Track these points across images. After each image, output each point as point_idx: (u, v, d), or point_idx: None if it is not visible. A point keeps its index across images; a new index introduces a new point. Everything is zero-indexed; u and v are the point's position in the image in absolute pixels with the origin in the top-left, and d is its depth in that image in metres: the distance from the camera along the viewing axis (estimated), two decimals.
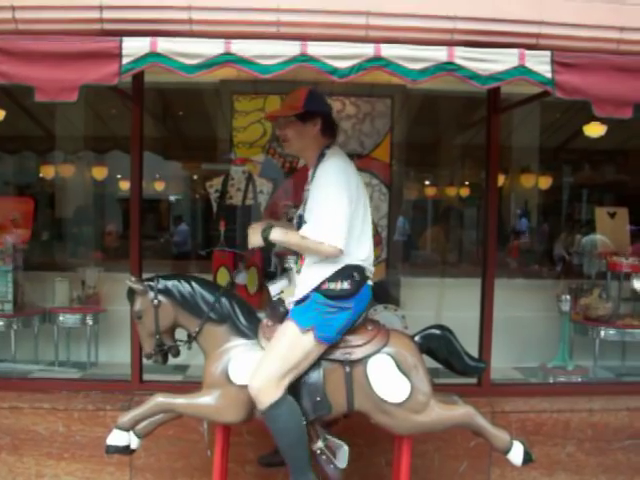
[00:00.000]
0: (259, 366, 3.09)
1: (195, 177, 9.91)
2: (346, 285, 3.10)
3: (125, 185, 9.05)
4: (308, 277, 3.16)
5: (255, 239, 3.23)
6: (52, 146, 7.86)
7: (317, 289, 3.12)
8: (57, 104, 6.42)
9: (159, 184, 10.21)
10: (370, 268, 3.25)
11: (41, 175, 8.54)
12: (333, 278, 3.10)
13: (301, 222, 3.22)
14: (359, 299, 3.17)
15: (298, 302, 3.19)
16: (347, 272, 3.12)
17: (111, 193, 9.35)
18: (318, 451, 3.14)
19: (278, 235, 3.18)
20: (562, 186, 9.65)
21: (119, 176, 9.22)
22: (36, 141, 7.94)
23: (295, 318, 3.13)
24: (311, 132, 3.22)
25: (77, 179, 8.42)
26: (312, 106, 3.19)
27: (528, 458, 3.30)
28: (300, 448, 3.12)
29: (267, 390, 3.05)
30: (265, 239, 3.19)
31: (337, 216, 3.02)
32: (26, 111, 6.93)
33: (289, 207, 5.19)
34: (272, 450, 3.39)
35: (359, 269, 3.15)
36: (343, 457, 3.19)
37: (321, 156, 3.21)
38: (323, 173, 3.12)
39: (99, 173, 8.55)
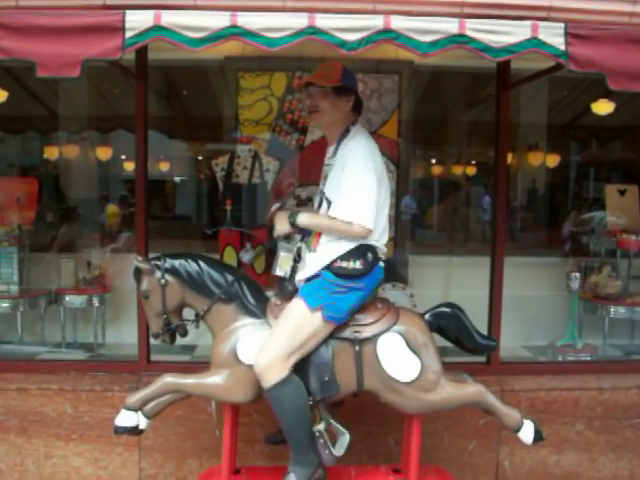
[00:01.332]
0: (265, 344, 3.07)
1: (200, 157, 9.86)
2: (358, 265, 3.06)
3: (130, 166, 9.03)
4: (320, 255, 3.12)
5: (282, 226, 3.21)
6: (56, 126, 7.84)
7: (328, 267, 3.08)
8: (59, 83, 6.40)
9: (164, 164, 10.15)
10: (383, 249, 3.20)
11: (45, 156, 8.50)
12: (345, 257, 3.06)
13: (322, 198, 3.19)
14: (370, 279, 3.14)
15: (308, 280, 3.15)
16: (360, 251, 3.07)
17: (115, 173, 9.33)
18: (317, 433, 3.12)
19: (305, 219, 3.15)
20: (570, 164, 9.58)
21: (123, 157, 9.17)
22: (39, 121, 7.91)
23: (304, 296, 3.10)
24: (344, 107, 3.18)
25: (81, 160, 8.39)
26: (348, 81, 3.16)
27: (539, 436, 3.27)
28: (303, 429, 3.11)
29: (272, 369, 3.02)
30: (292, 224, 3.16)
31: (366, 196, 2.98)
32: (29, 91, 6.89)
33: (295, 186, 5.16)
34: (279, 429, 3.37)
35: (372, 249, 3.12)
36: (342, 445, 3.16)
37: (346, 132, 3.18)
38: (350, 151, 3.08)
39: (103, 153, 8.51)
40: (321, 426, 3.13)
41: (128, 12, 2.78)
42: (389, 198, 3.23)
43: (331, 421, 3.17)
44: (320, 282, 3.09)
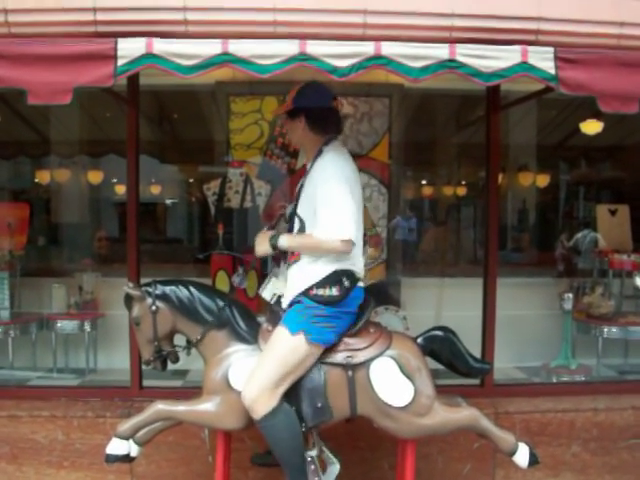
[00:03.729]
0: (252, 375, 3.05)
1: (191, 180, 9.87)
2: (334, 291, 3.05)
3: (121, 189, 9.03)
4: (296, 282, 3.12)
5: (263, 247, 3.19)
6: (47, 151, 7.84)
7: (305, 294, 3.08)
8: (51, 108, 6.40)
9: (155, 188, 10.16)
10: (360, 271, 3.18)
11: (36, 180, 8.50)
12: (321, 284, 3.05)
13: (293, 218, 3.19)
14: (349, 303, 3.12)
15: (289, 306, 3.15)
16: (335, 278, 3.06)
17: (106, 197, 9.32)
18: (309, 459, 3.10)
19: (286, 241, 3.13)
20: (560, 184, 9.64)
21: (115, 180, 9.18)
22: (31, 146, 7.92)
23: (286, 324, 3.08)
24: (298, 128, 3.20)
25: (72, 184, 8.39)
26: (299, 102, 3.17)
27: (534, 460, 3.25)
28: (297, 456, 3.08)
29: (261, 399, 3.01)
30: (273, 246, 3.14)
31: (343, 209, 2.96)
32: (20, 116, 6.89)
33: (285, 209, 5.16)
34: (266, 449, 3.35)
35: (348, 274, 3.09)
36: (332, 474, 3.17)
37: (319, 152, 3.17)
38: (320, 169, 3.08)
39: (95, 177, 8.52)
40: (313, 452, 3.12)
41: (120, 40, 2.79)
42: (361, 212, 3.18)
43: (324, 449, 3.16)
44: (299, 307, 3.08)
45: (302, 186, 3.21)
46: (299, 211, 3.16)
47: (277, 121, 5.06)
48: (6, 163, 8.44)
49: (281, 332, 3.07)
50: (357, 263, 3.15)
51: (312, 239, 3.06)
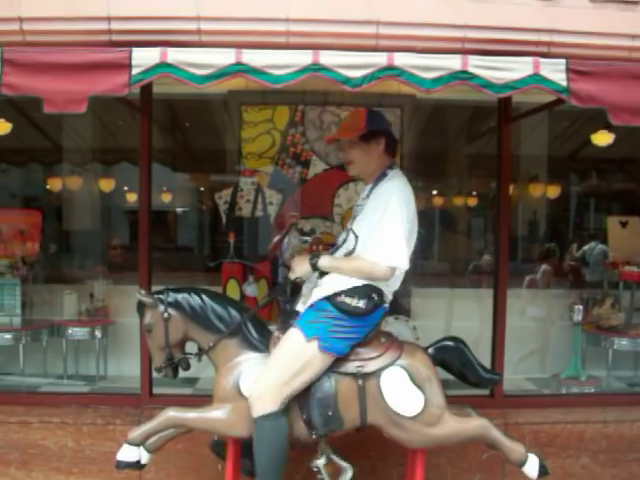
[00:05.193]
0: (261, 373, 3.06)
1: (202, 189, 9.90)
2: (361, 304, 3.05)
3: (132, 197, 9.08)
4: (326, 285, 3.12)
5: (303, 268, 3.18)
6: (59, 158, 7.87)
7: (331, 299, 3.08)
8: (64, 116, 6.45)
9: (166, 196, 10.20)
10: (390, 295, 3.20)
11: (48, 187, 8.54)
12: (351, 293, 3.05)
13: (349, 235, 3.19)
14: (369, 320, 3.13)
15: (308, 308, 3.15)
16: (366, 291, 3.06)
17: (118, 205, 9.36)
18: (315, 469, 3.11)
19: (327, 261, 3.14)
20: (570, 195, 9.62)
21: (126, 188, 9.22)
22: (43, 153, 7.95)
23: (301, 326, 3.09)
24: (376, 151, 3.20)
25: (84, 191, 8.42)
26: (374, 125, 3.17)
27: (544, 471, 3.24)
28: (273, 470, 3.08)
29: (265, 398, 3.01)
30: (314, 266, 3.14)
31: (396, 239, 2.97)
32: (33, 124, 6.94)
33: (298, 219, 5.18)
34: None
35: (378, 291, 3.10)
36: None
37: (383, 175, 3.18)
38: (386, 192, 3.08)
39: (106, 185, 8.55)
40: (320, 462, 3.12)
41: (135, 49, 2.82)
42: (413, 244, 3.17)
43: (332, 456, 3.16)
44: (318, 313, 3.08)
45: (361, 207, 3.22)
46: (355, 227, 3.16)
47: (289, 131, 5.08)
48: (18, 170, 8.49)
49: (295, 334, 3.07)
50: (392, 287, 3.17)
51: (352, 262, 3.08)
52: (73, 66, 2.82)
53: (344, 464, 3.16)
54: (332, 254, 3.27)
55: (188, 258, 9.90)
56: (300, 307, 3.26)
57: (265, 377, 3.03)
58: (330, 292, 3.09)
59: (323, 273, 3.16)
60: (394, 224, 2.98)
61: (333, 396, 3.09)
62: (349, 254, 3.14)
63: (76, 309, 5.41)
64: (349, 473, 3.15)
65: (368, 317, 3.10)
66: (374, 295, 3.07)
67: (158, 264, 4.40)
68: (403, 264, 2.99)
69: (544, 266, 6.49)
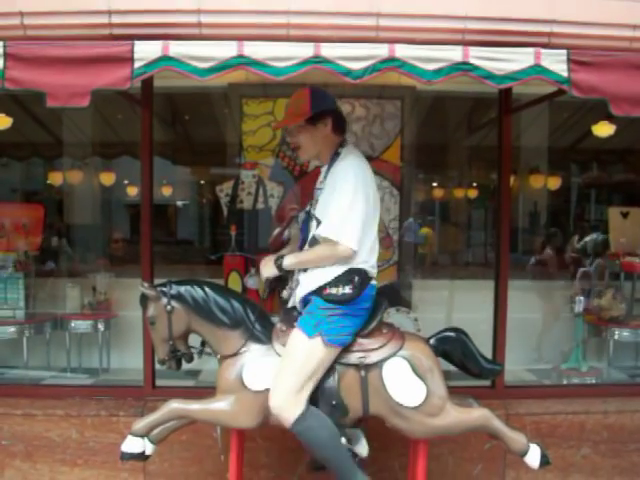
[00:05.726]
0: (275, 383, 3.07)
1: (202, 182, 9.91)
2: (347, 290, 3.07)
3: (133, 190, 9.09)
4: (309, 279, 3.14)
5: (268, 270, 3.23)
6: (60, 152, 7.88)
7: (318, 294, 3.10)
8: (64, 110, 6.46)
9: (167, 189, 10.20)
10: (372, 270, 3.20)
11: (48, 181, 8.55)
12: (334, 283, 3.07)
13: (309, 219, 3.21)
14: (362, 302, 3.14)
15: (304, 307, 3.18)
16: (348, 277, 3.08)
17: (118, 198, 9.37)
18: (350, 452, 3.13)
19: (290, 261, 3.17)
20: (571, 186, 9.63)
21: (126, 181, 9.23)
22: (44, 148, 7.96)
23: (302, 327, 3.10)
24: (323, 132, 3.18)
25: (85, 185, 8.43)
26: (319, 106, 3.15)
27: (545, 461, 3.26)
28: (340, 454, 3.10)
29: (288, 406, 3.03)
30: (279, 267, 3.17)
31: (353, 217, 2.99)
32: (34, 118, 6.94)
33: (298, 211, 5.18)
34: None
35: (360, 272, 3.11)
36: (362, 443, 3.20)
37: (335, 155, 3.18)
38: (340, 171, 3.08)
39: (107, 179, 8.57)
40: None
41: (137, 43, 2.83)
42: (378, 217, 3.19)
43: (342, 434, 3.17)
44: (313, 310, 3.10)
45: (320, 190, 3.22)
46: (317, 212, 3.16)
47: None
48: (18, 164, 8.49)
49: (298, 336, 3.09)
50: (369, 261, 3.16)
51: (313, 253, 3.11)
52: (75, 60, 2.83)
53: (353, 430, 3.20)
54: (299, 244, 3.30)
55: (188, 251, 9.92)
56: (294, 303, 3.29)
57: (281, 386, 3.05)
58: (314, 287, 3.11)
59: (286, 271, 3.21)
60: (352, 204, 2.98)
61: (336, 387, 3.11)
62: (314, 239, 3.16)
63: (79, 302, 5.44)
64: (359, 432, 3.20)
65: (360, 299, 3.11)
66: (356, 277, 3.08)
67: (159, 257, 4.41)
68: (352, 244, 2.99)
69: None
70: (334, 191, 3.04)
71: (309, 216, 3.24)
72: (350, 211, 2.98)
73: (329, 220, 3.02)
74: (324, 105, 3.18)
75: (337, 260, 3.06)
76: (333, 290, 3.07)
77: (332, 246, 3.02)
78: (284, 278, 3.31)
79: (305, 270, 3.18)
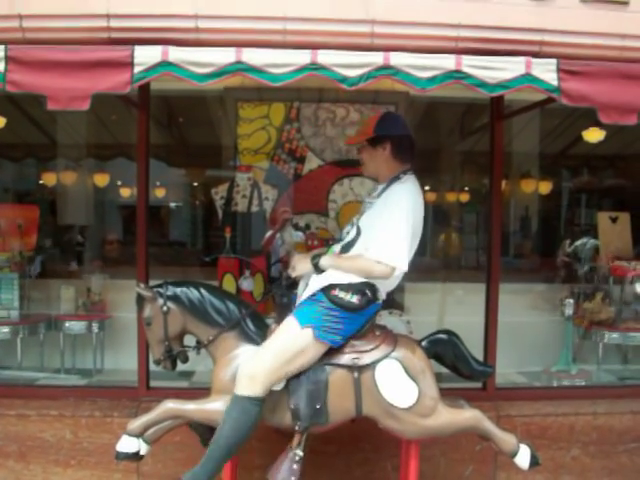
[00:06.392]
0: (254, 355, 3.11)
1: (195, 184, 9.91)
2: (354, 299, 3.11)
3: (126, 192, 9.09)
4: (322, 277, 3.17)
5: (303, 267, 3.25)
6: (54, 153, 7.88)
7: (326, 292, 3.13)
8: (59, 111, 6.47)
9: (160, 191, 10.19)
10: (383, 294, 3.26)
11: (41, 182, 8.54)
12: (345, 287, 3.11)
13: (353, 226, 3.24)
14: (362, 316, 3.18)
15: (305, 299, 3.21)
16: (360, 287, 3.12)
17: (111, 200, 9.35)
18: (297, 457, 3.10)
19: (328, 261, 3.19)
20: (562, 191, 9.69)
21: (120, 183, 9.22)
22: (39, 148, 7.96)
23: (296, 315, 3.15)
24: (382, 156, 3.24)
25: (78, 186, 8.42)
26: (381, 130, 3.21)
27: (535, 461, 3.31)
28: (225, 451, 3.10)
29: (255, 379, 3.04)
30: (315, 266, 3.20)
31: (399, 238, 3.03)
32: (29, 118, 6.95)
33: (290, 214, 5.21)
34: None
35: (373, 288, 3.16)
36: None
37: (396, 178, 3.21)
38: (396, 195, 3.12)
39: (101, 180, 8.56)
40: (300, 452, 3.12)
41: (137, 48, 2.87)
42: (416, 244, 3.22)
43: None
44: (314, 303, 3.14)
45: (370, 204, 3.25)
46: (361, 223, 3.21)
47: (284, 127, 5.12)
48: (11, 165, 8.47)
49: (290, 322, 3.13)
50: (388, 286, 3.24)
51: (354, 263, 3.13)
52: (76, 64, 2.87)
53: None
54: (330, 247, 3.33)
55: (181, 253, 9.92)
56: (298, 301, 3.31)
57: (258, 360, 3.07)
58: (325, 283, 3.14)
59: (321, 270, 3.21)
60: (399, 226, 3.03)
61: (324, 389, 3.14)
62: (348, 245, 3.20)
63: (73, 303, 5.46)
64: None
65: (361, 312, 3.15)
66: (368, 291, 3.13)
67: (151, 259, 4.44)
68: (403, 266, 3.05)
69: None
70: (384, 211, 3.09)
71: (351, 224, 3.29)
72: (398, 235, 3.03)
73: (376, 239, 3.07)
74: (386, 130, 3.23)
75: (374, 276, 3.11)
76: (341, 294, 3.11)
77: (373, 263, 3.05)
78: (281, 283, 3.35)
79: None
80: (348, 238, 3.23)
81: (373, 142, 3.24)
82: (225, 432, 3.08)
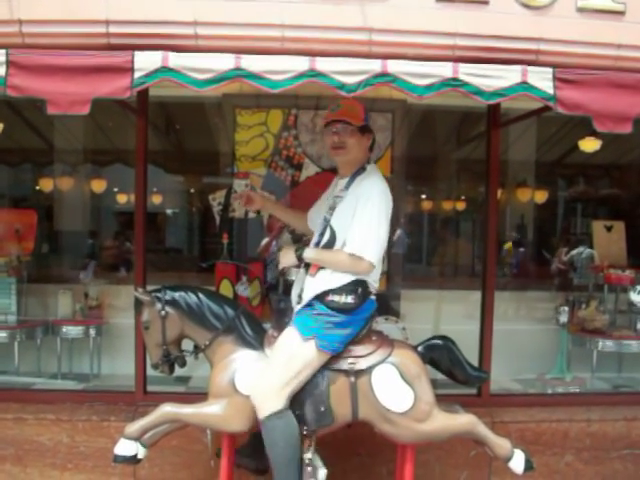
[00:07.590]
0: (262, 374, 3.14)
1: (192, 190, 9.92)
2: (350, 299, 3.15)
3: (123, 198, 9.10)
4: (315, 284, 3.19)
5: (288, 259, 3.29)
6: (52, 159, 7.89)
7: (320, 299, 3.16)
8: (57, 116, 6.48)
9: (156, 197, 10.20)
10: (375, 284, 3.28)
11: (38, 188, 8.54)
12: (338, 291, 3.14)
13: (326, 226, 3.26)
14: (361, 312, 3.22)
15: (302, 307, 3.23)
16: (352, 287, 3.16)
17: (108, 206, 9.36)
18: (307, 461, 3.16)
19: (311, 253, 3.24)
20: (558, 200, 9.73)
21: (116, 189, 9.23)
22: (36, 154, 7.97)
23: (297, 326, 3.17)
24: (365, 144, 3.31)
25: (75, 192, 8.42)
26: (367, 120, 3.29)
27: (529, 466, 3.34)
28: (290, 465, 3.13)
29: (269, 398, 3.08)
30: (299, 258, 3.24)
31: (378, 235, 3.10)
32: (26, 123, 6.96)
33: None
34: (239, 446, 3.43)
35: (363, 284, 3.19)
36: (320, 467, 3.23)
37: (362, 169, 3.28)
38: (367, 188, 3.17)
39: (98, 186, 8.57)
40: (310, 455, 3.18)
41: (137, 53, 2.89)
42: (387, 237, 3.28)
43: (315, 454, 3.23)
44: (312, 313, 3.17)
45: (339, 198, 3.28)
46: (332, 222, 3.24)
47: (282, 134, 5.14)
48: (7, 170, 8.47)
49: (292, 334, 3.16)
50: (373, 277, 3.25)
51: (338, 255, 3.17)
52: (77, 68, 2.89)
53: (320, 462, 3.24)
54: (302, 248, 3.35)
55: (177, 259, 9.93)
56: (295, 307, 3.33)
57: (267, 378, 3.11)
58: (318, 291, 3.17)
59: (308, 265, 3.26)
60: (377, 222, 3.09)
61: (326, 392, 3.17)
62: (326, 245, 3.24)
63: (71, 308, 5.46)
64: (324, 472, 3.22)
65: (359, 310, 3.19)
66: (359, 288, 3.17)
67: (148, 265, 4.45)
68: (375, 260, 3.11)
69: None
70: (357, 206, 3.13)
71: (325, 221, 3.31)
72: (376, 229, 3.09)
73: (356, 236, 3.10)
74: (369, 122, 3.32)
75: (355, 272, 3.15)
76: (336, 297, 3.14)
77: (355, 258, 3.09)
78: (276, 285, 3.38)
79: (313, 275, 3.23)
80: (324, 240, 3.26)
81: (362, 130, 3.27)
82: (279, 454, 3.13)
